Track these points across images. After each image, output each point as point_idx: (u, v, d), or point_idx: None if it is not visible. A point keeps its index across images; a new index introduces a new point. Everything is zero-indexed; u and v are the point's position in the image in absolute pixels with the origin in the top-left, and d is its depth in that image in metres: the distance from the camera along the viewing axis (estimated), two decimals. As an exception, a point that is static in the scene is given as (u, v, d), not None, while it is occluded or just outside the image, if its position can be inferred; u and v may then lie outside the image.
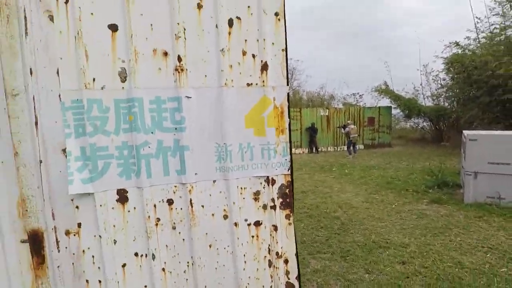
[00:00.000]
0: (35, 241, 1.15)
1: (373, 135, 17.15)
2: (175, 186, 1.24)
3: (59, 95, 1.11)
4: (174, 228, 1.26)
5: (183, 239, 1.27)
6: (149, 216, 1.22)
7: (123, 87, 1.16)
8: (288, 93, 1.30)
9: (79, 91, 1.11)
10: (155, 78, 1.18)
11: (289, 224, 1.37)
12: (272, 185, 1.33)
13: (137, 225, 1.22)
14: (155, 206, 1.23)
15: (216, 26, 1.21)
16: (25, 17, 1.05)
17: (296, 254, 1.40)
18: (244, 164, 1.28)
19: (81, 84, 1.11)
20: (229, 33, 1.22)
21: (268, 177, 1.32)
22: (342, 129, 14.00)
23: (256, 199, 1.32)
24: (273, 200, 1.33)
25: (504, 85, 10.70)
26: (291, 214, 1.36)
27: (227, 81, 1.23)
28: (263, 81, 1.27)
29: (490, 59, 11.40)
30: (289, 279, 1.40)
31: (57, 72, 1.10)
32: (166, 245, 1.26)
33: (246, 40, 1.24)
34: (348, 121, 14.34)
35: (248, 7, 1.23)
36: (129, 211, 1.21)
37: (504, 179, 5.47)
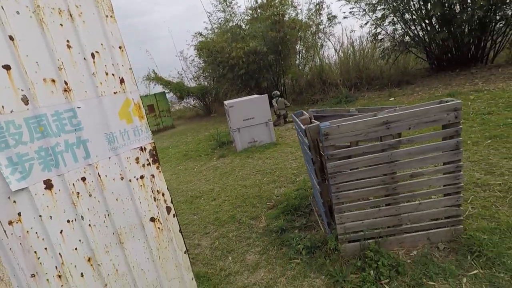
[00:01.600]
0: (-16, 239, 1.46)
1: (156, 121, 18.45)
2: (85, 168, 1.84)
3: (-24, 123, 1.44)
4: (90, 195, 1.86)
5: (98, 201, 1.90)
6: (72, 192, 1.77)
7: (27, 108, 1.61)
8: (139, 94, 2.13)
9: (-5, 117, 1.48)
10: (50, 99, 1.69)
11: (159, 172, 2.27)
12: (145, 151, 2.16)
13: (64, 200, 1.75)
14: (73, 184, 1.78)
15: (84, 59, 1.84)
16: None
17: (167, 188, 2.33)
18: (125, 142, 2.03)
19: (-5, 112, 1.49)
20: (94, 62, 1.88)
21: (141, 146, 2.14)
22: None
23: (137, 162, 2.11)
24: (147, 160, 2.18)
25: (238, 64, 14.64)
26: (159, 165, 2.26)
27: (101, 92, 1.91)
28: (123, 89, 2.03)
29: (225, 45, 15.08)
30: (167, 204, 2.33)
31: (-32, 106, 1.42)
32: (88, 208, 1.85)
33: (106, 65, 1.94)
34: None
35: (101, 44, 1.92)
36: (56, 193, 1.71)
37: (254, 128, 8.24)
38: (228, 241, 3.80)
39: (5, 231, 1.52)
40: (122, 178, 2.03)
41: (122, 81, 2.03)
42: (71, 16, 1.80)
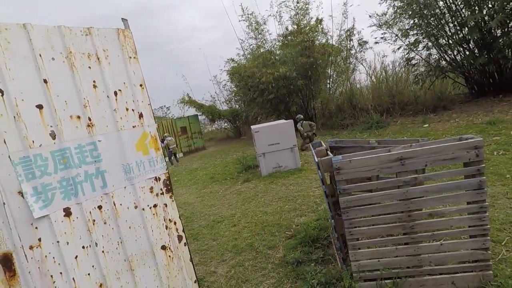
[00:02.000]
0: (6, 261, 1.61)
1: (188, 142, 19.10)
2: (101, 197, 1.98)
3: (9, 156, 1.63)
4: (105, 223, 1.99)
5: (112, 228, 2.03)
6: (88, 219, 1.91)
7: (54, 142, 1.80)
8: (156, 127, 2.28)
9: (25, 150, 1.68)
10: (75, 133, 1.88)
11: (172, 201, 2.37)
12: (159, 181, 2.29)
13: (81, 227, 1.88)
14: (90, 212, 1.93)
15: (108, 96, 2.03)
16: (-25, 108, 1.53)
17: (179, 217, 2.42)
18: (140, 173, 2.17)
19: (25, 146, 1.68)
20: (116, 99, 2.07)
21: (155, 176, 2.27)
22: (161, 143, 14.72)
23: (151, 191, 2.24)
24: (161, 189, 2.29)
25: (268, 88, 14.92)
26: (172, 195, 2.37)
27: (121, 127, 2.08)
28: (142, 123, 2.20)
29: (255, 70, 15.50)
30: (178, 233, 2.41)
31: (4, 141, 1.62)
32: (102, 235, 1.98)
33: (127, 102, 2.13)
34: (165, 134, 15.34)
35: (124, 83, 2.12)
36: (73, 220, 1.86)
37: (279, 153, 8.26)
38: (244, 270, 3.77)
39: (25, 255, 1.67)
40: (136, 207, 2.15)
41: (141, 115, 2.20)
42: (98, 59, 2.01)
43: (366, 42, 15.33)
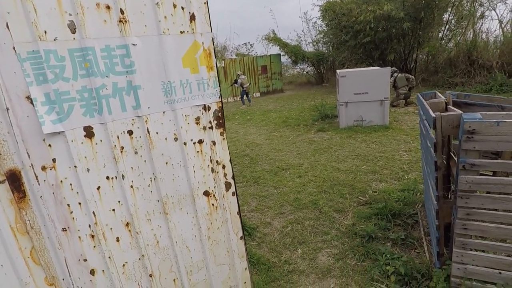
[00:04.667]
0: (14, 179, 1.32)
1: (267, 83, 18.48)
2: (133, 119, 1.55)
3: (13, 47, 1.23)
4: (136, 153, 1.59)
5: (145, 161, 1.62)
6: (115, 145, 1.51)
7: (74, 38, 1.34)
8: (212, 38, 1.68)
9: (34, 43, 1.26)
10: (102, 29, 1.39)
11: (223, 139, 1.85)
12: (208, 110, 1.76)
13: (105, 154, 1.51)
14: (118, 137, 1.52)
15: (148, -17, 1.46)
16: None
17: (230, 161, 1.92)
18: (185, 97, 1.66)
19: (35, 36, 1.26)
20: (160, -11, 1.49)
21: (205, 105, 1.73)
22: (235, 84, 14.37)
23: (197, 123, 1.73)
24: (210, 122, 1.77)
25: (364, 30, 12.86)
26: (224, 131, 1.84)
27: (164, 29, 1.53)
28: (193, 29, 1.61)
29: (353, 7, 13.33)
30: (226, 179, 1.93)
31: (7, 26, 1.21)
32: (132, 167, 1.59)
33: (174, -5, 1.53)
34: (238, 72, 14.84)
35: (173, -34, 1.51)
36: (96, 144, 1.48)
37: (364, 105, 7.11)
38: (302, 229, 3.29)
39: (36, 177, 1.36)
40: (176, 139, 1.69)
41: (192, 18, 1.60)
42: None
43: (512, -25, 11.53)
